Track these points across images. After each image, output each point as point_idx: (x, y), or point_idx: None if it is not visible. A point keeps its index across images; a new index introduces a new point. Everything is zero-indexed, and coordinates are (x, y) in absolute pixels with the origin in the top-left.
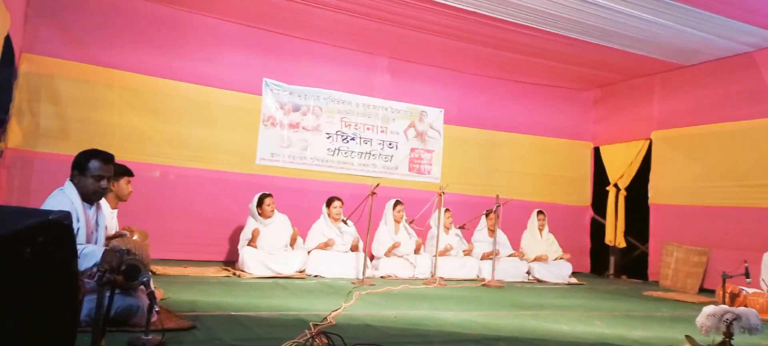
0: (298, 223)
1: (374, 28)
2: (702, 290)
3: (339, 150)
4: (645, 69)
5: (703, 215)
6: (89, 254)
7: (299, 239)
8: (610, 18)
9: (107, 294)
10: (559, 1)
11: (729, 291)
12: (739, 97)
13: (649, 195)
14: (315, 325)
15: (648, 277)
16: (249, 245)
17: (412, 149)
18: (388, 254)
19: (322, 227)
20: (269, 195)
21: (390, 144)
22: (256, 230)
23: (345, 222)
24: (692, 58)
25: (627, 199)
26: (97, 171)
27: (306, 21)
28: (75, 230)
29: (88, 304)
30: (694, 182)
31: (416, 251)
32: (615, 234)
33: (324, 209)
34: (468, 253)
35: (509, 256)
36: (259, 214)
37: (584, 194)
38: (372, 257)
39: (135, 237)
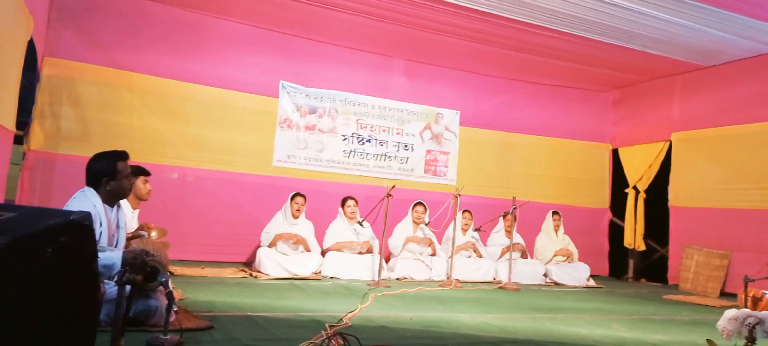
0: (314, 224)
1: (390, 31)
2: (723, 294)
3: (355, 152)
4: (665, 70)
5: (724, 217)
6: (112, 265)
7: (315, 243)
8: (628, 18)
9: (126, 294)
10: (577, 2)
11: (751, 295)
12: (761, 98)
13: (669, 197)
14: (331, 326)
15: (668, 280)
16: (270, 245)
17: (428, 151)
18: (404, 246)
19: (339, 227)
20: (301, 195)
21: (405, 146)
22: (284, 235)
23: (361, 223)
24: (713, 59)
25: (646, 201)
26: (126, 170)
27: (322, 24)
28: (98, 234)
29: (107, 305)
30: (714, 184)
31: (432, 253)
32: (634, 237)
33: (339, 209)
34: (471, 246)
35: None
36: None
37: (603, 197)
38: (388, 258)
39: (153, 234)
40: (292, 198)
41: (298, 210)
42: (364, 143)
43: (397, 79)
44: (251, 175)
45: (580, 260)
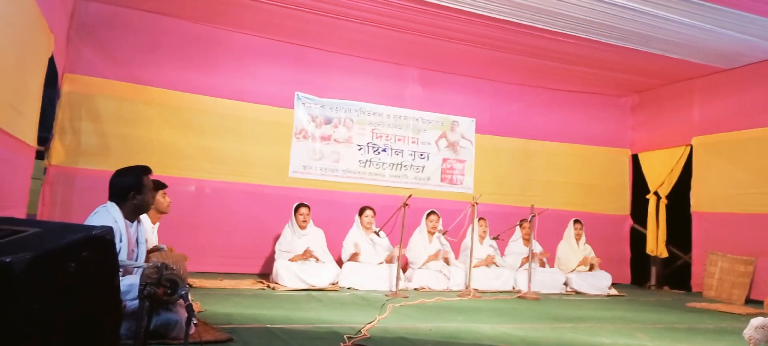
0: (331, 235)
1: (404, 39)
2: (749, 301)
3: (370, 162)
4: (684, 73)
5: (749, 222)
6: (129, 291)
7: (325, 253)
8: (646, 22)
9: (147, 308)
10: (593, 7)
11: None
12: None
13: (691, 203)
14: (350, 338)
15: (691, 288)
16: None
17: (444, 160)
18: (426, 263)
19: (355, 237)
20: (305, 205)
21: (421, 155)
22: (293, 258)
23: (377, 233)
24: (734, 61)
25: (668, 207)
26: (149, 184)
27: (336, 34)
28: (118, 249)
29: (128, 319)
30: (738, 188)
31: (446, 262)
32: (656, 244)
33: (356, 218)
34: (491, 260)
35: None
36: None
37: (623, 203)
38: (405, 269)
39: None
40: (297, 210)
41: (305, 221)
42: (379, 153)
43: (411, 88)
44: (268, 186)
45: (601, 268)
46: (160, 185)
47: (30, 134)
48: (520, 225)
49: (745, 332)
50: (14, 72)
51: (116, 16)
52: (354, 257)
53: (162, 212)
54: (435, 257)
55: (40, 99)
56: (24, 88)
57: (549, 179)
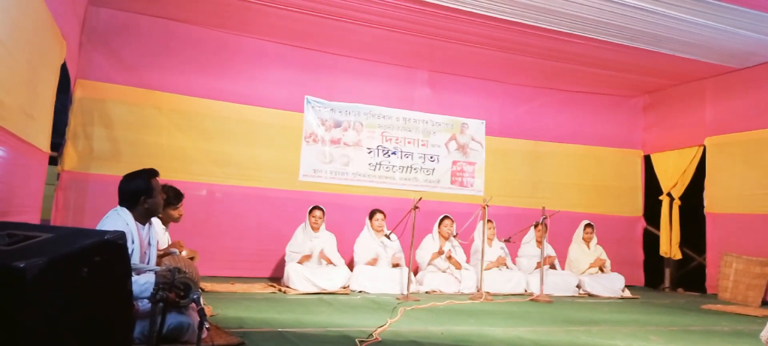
0: (341, 238)
1: (413, 42)
2: (765, 303)
3: (380, 165)
4: (696, 73)
5: (764, 223)
6: (145, 288)
7: (336, 255)
8: (657, 22)
9: (159, 311)
10: (604, 7)
11: None
12: None
13: (705, 204)
14: (361, 341)
15: (706, 290)
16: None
17: (454, 162)
18: (430, 262)
19: (367, 240)
20: (319, 208)
21: (431, 157)
22: (303, 258)
23: (388, 236)
24: (746, 61)
25: (681, 208)
26: (158, 186)
27: (345, 38)
28: (130, 251)
29: (141, 323)
30: (752, 188)
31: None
32: (670, 245)
33: (367, 221)
34: (502, 262)
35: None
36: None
37: (636, 205)
38: (416, 271)
39: (183, 253)
40: (310, 212)
41: (317, 223)
42: (389, 156)
43: (421, 91)
44: (278, 190)
45: (614, 270)
46: (178, 196)
47: (43, 140)
48: (536, 227)
49: (762, 334)
50: (27, 78)
51: (127, 22)
52: (372, 262)
53: (173, 221)
54: (439, 254)
55: (53, 105)
56: (37, 94)
57: (560, 180)
